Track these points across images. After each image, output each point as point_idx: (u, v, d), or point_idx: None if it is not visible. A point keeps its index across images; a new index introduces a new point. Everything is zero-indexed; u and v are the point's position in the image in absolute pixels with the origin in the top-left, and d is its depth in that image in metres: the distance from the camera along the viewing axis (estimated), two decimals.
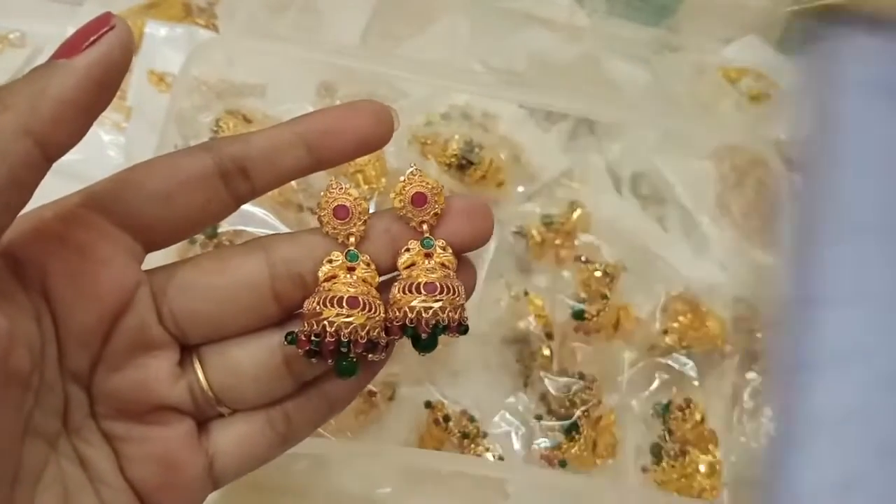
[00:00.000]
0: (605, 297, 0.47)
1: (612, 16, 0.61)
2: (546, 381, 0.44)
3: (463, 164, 0.49)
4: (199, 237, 0.44)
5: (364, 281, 0.24)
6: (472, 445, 0.42)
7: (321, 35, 0.56)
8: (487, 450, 0.42)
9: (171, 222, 0.23)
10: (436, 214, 0.24)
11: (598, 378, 0.44)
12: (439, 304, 0.23)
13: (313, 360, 0.23)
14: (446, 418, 0.42)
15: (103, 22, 0.20)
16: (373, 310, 0.23)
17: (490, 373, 0.44)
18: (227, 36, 0.55)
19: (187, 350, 0.25)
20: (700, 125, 0.56)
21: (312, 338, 0.23)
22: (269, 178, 0.24)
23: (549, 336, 0.45)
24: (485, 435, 0.43)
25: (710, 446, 0.44)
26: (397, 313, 0.23)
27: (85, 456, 0.23)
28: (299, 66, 0.51)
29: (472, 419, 0.43)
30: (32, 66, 0.53)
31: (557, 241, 0.49)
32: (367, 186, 0.47)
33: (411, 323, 0.23)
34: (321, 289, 0.24)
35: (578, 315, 0.46)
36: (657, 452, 0.44)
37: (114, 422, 0.24)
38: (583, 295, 0.47)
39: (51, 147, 0.20)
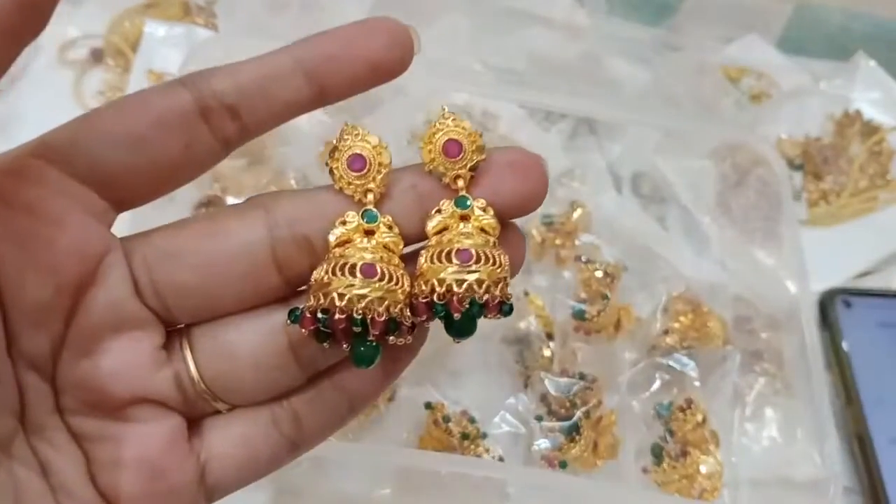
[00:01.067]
0: (605, 297, 0.46)
1: (612, 15, 0.61)
2: (546, 381, 0.43)
3: None
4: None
5: (385, 247, 0.19)
6: (473, 446, 0.42)
7: None
8: (487, 451, 0.42)
9: (143, 173, 0.19)
10: (474, 168, 0.20)
11: (598, 378, 0.44)
12: (475, 276, 0.18)
13: (325, 343, 0.19)
14: (446, 419, 0.42)
15: None
16: (394, 281, 0.19)
17: (490, 373, 0.44)
18: (227, 35, 0.54)
19: (174, 332, 0.21)
20: (701, 124, 0.56)
21: (319, 314, 0.19)
22: (262, 114, 0.20)
23: (550, 336, 0.45)
24: (485, 436, 0.43)
25: (712, 447, 0.44)
26: (424, 287, 0.19)
27: (46, 460, 0.19)
28: None
29: (472, 420, 0.43)
30: (32, 65, 0.53)
31: (558, 241, 0.49)
32: None
33: (441, 299, 0.19)
34: (332, 255, 0.19)
35: (579, 315, 0.46)
36: (658, 453, 0.43)
37: (84, 418, 0.20)
38: (583, 295, 0.47)
39: None
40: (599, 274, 0.47)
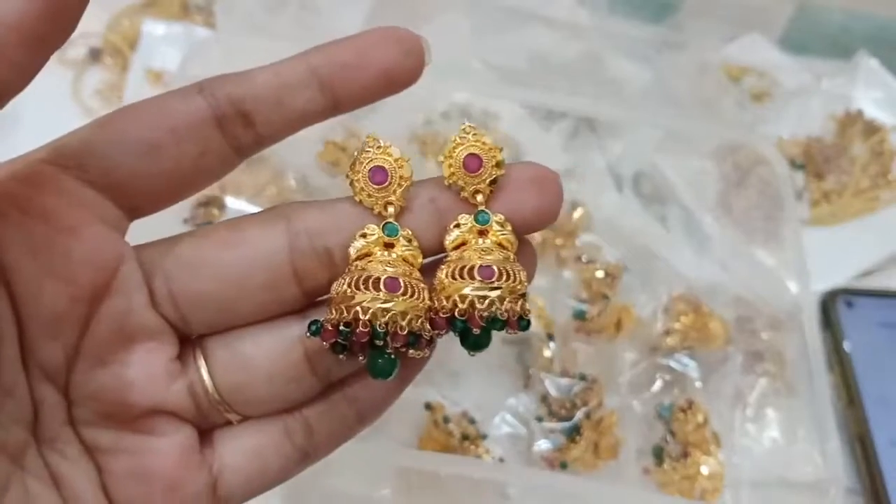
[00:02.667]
0: (606, 297, 0.46)
1: (613, 14, 0.61)
2: (547, 382, 0.43)
3: None
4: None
5: (405, 260, 0.20)
6: (473, 447, 0.42)
7: (319, 33, 0.56)
8: (488, 451, 0.42)
9: (158, 181, 0.19)
10: (493, 182, 0.20)
11: (599, 379, 0.44)
12: (497, 293, 0.19)
13: (341, 355, 0.19)
14: (446, 420, 0.42)
15: None
16: (416, 295, 0.19)
17: (490, 374, 0.44)
18: (225, 34, 0.54)
19: (188, 342, 0.21)
20: (702, 124, 0.56)
21: (341, 327, 0.19)
22: (276, 123, 0.19)
23: (550, 337, 0.45)
24: (485, 436, 0.42)
25: (713, 448, 0.44)
26: (445, 302, 0.19)
27: (59, 473, 0.19)
28: None
29: (472, 421, 0.43)
30: None
31: (558, 241, 0.48)
32: None
33: (462, 315, 0.19)
34: (353, 268, 0.19)
35: (579, 315, 0.46)
36: (659, 454, 0.43)
37: (97, 430, 0.20)
38: (584, 295, 0.46)
39: None
40: (600, 274, 0.47)
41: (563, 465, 0.42)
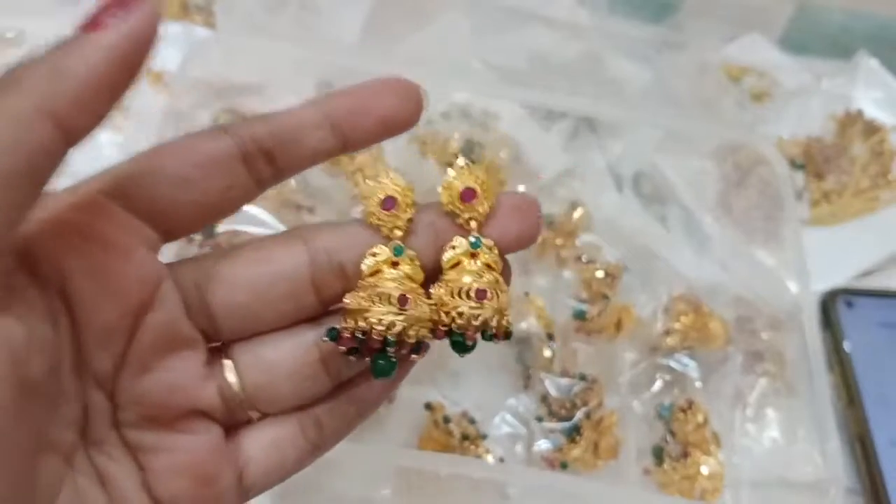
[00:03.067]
0: (606, 297, 0.46)
1: (613, 14, 0.61)
2: (547, 382, 0.43)
3: None
4: (197, 237, 0.44)
5: (409, 277, 0.23)
6: (473, 447, 0.42)
7: (319, 33, 0.56)
8: (488, 451, 0.42)
9: (190, 210, 0.22)
10: (484, 212, 0.23)
11: (599, 379, 0.44)
12: (489, 311, 0.22)
13: (352, 357, 0.22)
14: (446, 420, 0.42)
15: None
16: (421, 309, 0.22)
17: (490, 374, 0.44)
18: (225, 34, 0.54)
19: (213, 349, 0.23)
20: (702, 124, 0.56)
21: (357, 335, 0.22)
22: (293, 160, 0.22)
23: (550, 337, 0.45)
24: (485, 436, 0.42)
25: (713, 448, 0.44)
26: (444, 317, 0.22)
27: (105, 472, 0.21)
28: (297, 64, 0.51)
29: (472, 421, 0.43)
30: None
31: (558, 241, 0.48)
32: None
33: (459, 329, 0.22)
34: (365, 283, 0.22)
35: (579, 315, 0.46)
36: (659, 454, 0.43)
37: (140, 431, 0.22)
38: (584, 295, 0.46)
39: (72, 131, 0.18)
40: (600, 274, 0.47)
41: (563, 465, 0.42)
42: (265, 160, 0.22)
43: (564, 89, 0.55)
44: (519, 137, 0.52)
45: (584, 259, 0.48)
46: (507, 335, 0.23)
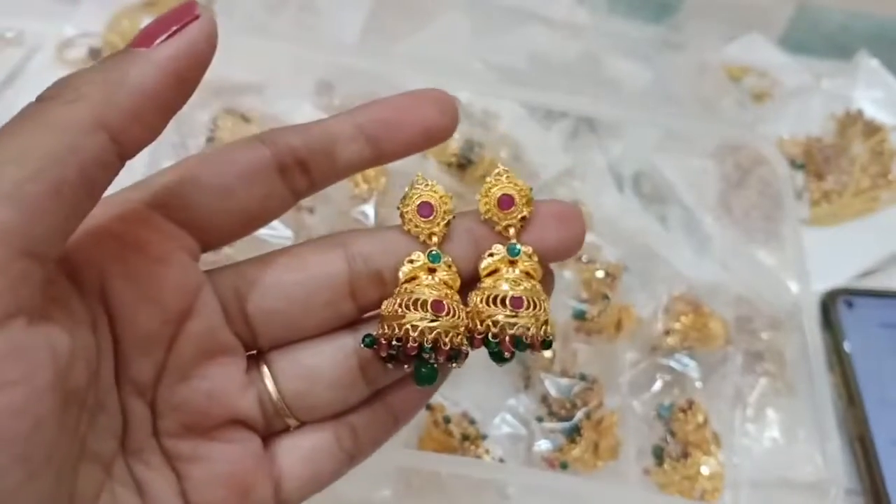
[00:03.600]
0: (606, 297, 0.46)
1: (613, 14, 0.61)
2: (547, 382, 0.43)
3: (463, 163, 0.49)
4: None
5: (445, 284, 0.22)
6: (473, 447, 0.42)
7: (320, 33, 0.56)
8: (488, 452, 0.42)
9: (229, 219, 0.22)
10: (523, 218, 0.23)
11: (599, 379, 0.44)
12: (525, 320, 0.22)
13: (389, 364, 0.22)
14: (446, 420, 0.42)
15: (187, 11, 0.18)
16: (457, 316, 0.22)
17: (490, 374, 0.44)
18: (225, 34, 0.54)
19: (251, 357, 0.23)
20: (702, 124, 0.56)
21: (393, 342, 0.22)
22: (328, 171, 0.22)
23: None
24: (485, 437, 0.42)
25: (713, 448, 0.44)
26: (479, 326, 0.22)
27: (143, 481, 0.21)
28: (297, 64, 0.51)
29: (472, 421, 0.43)
30: (30, 64, 0.53)
31: None
32: (366, 186, 0.47)
33: (494, 338, 0.22)
34: (402, 290, 0.22)
35: (579, 315, 0.45)
36: (659, 454, 0.43)
37: (179, 440, 0.22)
38: (584, 295, 0.46)
39: (127, 143, 0.18)
40: (600, 274, 0.47)
41: (564, 466, 0.42)
42: (300, 170, 0.22)
43: (564, 89, 0.55)
44: (519, 137, 0.52)
45: (584, 259, 0.48)
46: (544, 345, 0.22)
